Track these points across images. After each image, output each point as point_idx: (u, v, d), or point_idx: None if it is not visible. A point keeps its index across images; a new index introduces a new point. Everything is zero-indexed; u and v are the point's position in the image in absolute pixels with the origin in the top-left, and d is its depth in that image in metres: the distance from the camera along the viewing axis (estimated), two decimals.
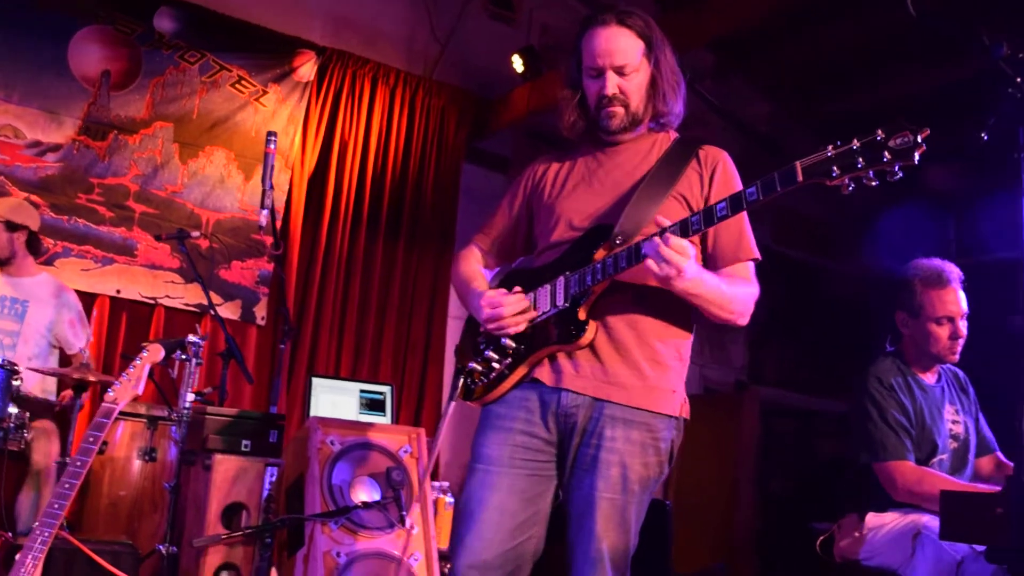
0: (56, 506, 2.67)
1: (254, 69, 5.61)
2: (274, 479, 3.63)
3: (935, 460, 3.13)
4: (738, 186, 2.34)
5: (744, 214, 2.24)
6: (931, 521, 2.90)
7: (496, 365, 2.33)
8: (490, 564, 2.23)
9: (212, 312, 4.43)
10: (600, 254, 2.23)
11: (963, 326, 3.19)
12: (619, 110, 2.34)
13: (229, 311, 5.36)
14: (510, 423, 2.30)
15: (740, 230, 2.33)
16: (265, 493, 3.57)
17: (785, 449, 7.76)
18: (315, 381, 4.56)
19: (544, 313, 2.28)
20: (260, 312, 5.52)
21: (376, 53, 6.09)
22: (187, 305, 5.27)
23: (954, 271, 3.22)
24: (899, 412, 3.11)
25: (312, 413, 4.38)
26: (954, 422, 3.26)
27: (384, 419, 4.54)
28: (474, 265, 2.57)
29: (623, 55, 2.32)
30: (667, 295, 2.18)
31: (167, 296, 5.22)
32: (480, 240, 2.61)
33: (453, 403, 2.35)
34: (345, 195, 5.86)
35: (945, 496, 2.54)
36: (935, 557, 2.81)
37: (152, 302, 5.18)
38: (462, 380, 2.38)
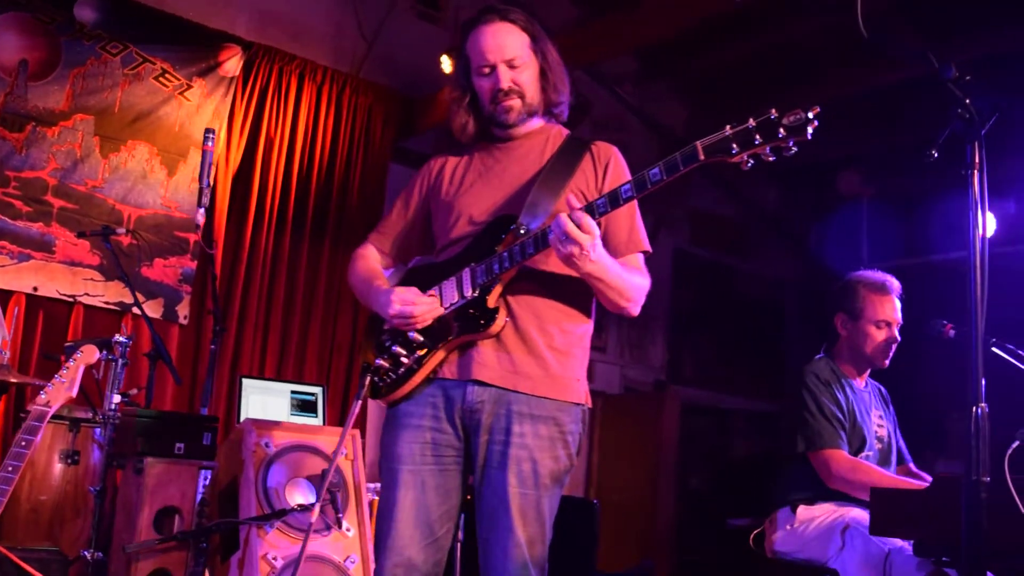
0: None
1: (178, 62, 5.48)
2: (208, 482, 3.57)
3: (863, 455, 3.30)
4: (625, 178, 2.39)
5: (636, 207, 2.37)
6: (860, 515, 3.04)
7: (404, 360, 2.35)
8: (414, 561, 2.28)
9: (138, 310, 4.32)
10: (506, 244, 2.27)
11: (897, 334, 3.41)
12: (516, 103, 2.40)
13: (151, 309, 5.22)
14: (418, 420, 2.34)
15: (632, 222, 2.43)
16: (199, 497, 3.51)
17: (703, 447, 7.95)
18: (245, 382, 4.49)
19: (452, 304, 2.32)
20: (183, 311, 5.41)
21: (303, 49, 6.01)
22: (107, 303, 5.13)
23: (895, 284, 3.47)
24: (834, 405, 3.29)
25: (243, 415, 4.31)
26: (879, 425, 3.45)
27: (316, 420, 4.51)
28: (373, 263, 2.60)
29: (512, 48, 2.38)
30: (570, 283, 2.29)
31: (87, 294, 5.07)
32: (376, 240, 2.64)
33: (359, 402, 2.36)
34: (270, 193, 5.77)
35: (875, 493, 2.67)
36: (864, 550, 2.94)
37: (71, 300, 5.02)
38: (368, 378, 2.39)
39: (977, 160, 1.96)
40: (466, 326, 2.29)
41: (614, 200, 2.15)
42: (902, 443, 3.61)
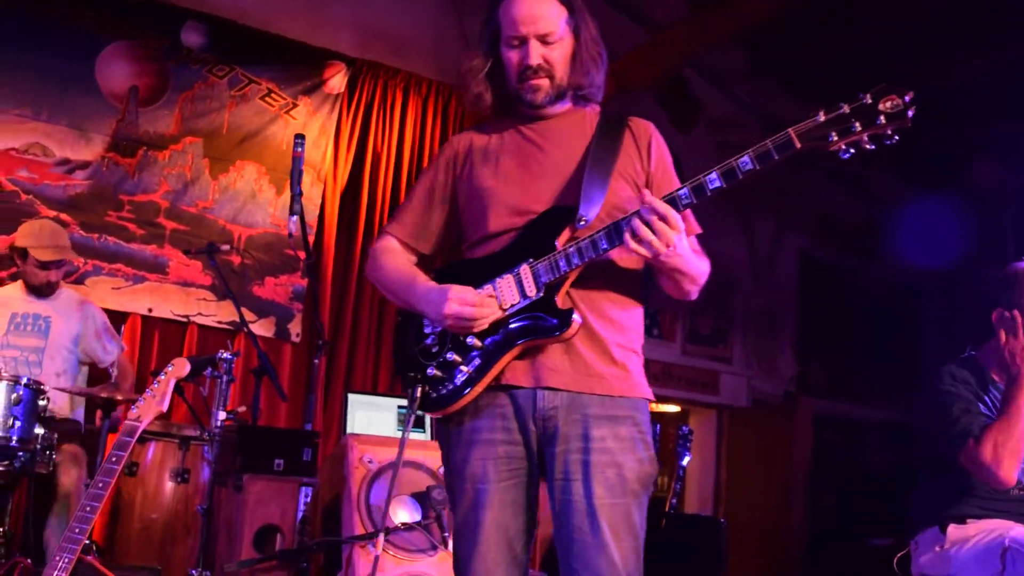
0: (77, 531, 2.53)
1: (283, 82, 5.51)
2: (309, 499, 3.48)
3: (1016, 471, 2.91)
4: (670, 160, 2.25)
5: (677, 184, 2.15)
6: (1020, 533, 2.68)
7: (463, 368, 2.10)
8: None
9: (245, 329, 4.31)
10: (564, 238, 2.06)
11: None
12: (544, 82, 2.17)
13: (263, 328, 5.24)
14: (489, 435, 2.10)
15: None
16: (300, 514, 3.43)
17: (836, 461, 7.53)
18: (351, 397, 4.42)
19: (514, 306, 2.07)
20: (295, 329, 5.40)
21: (406, 63, 5.98)
22: (220, 323, 5.16)
23: None
24: (975, 398, 2.90)
25: (348, 430, 4.23)
26: None
27: (424, 436, 4.39)
28: (403, 258, 2.33)
29: (547, 22, 2.15)
30: (623, 274, 2.10)
31: (200, 314, 5.12)
32: (396, 230, 2.35)
33: (412, 416, 2.12)
34: (379, 208, 5.74)
35: None
36: None
37: (185, 320, 5.08)
38: (419, 389, 2.13)
39: None
40: (534, 330, 2.07)
41: (699, 191, 1.95)
42: None
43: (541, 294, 2.06)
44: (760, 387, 7.52)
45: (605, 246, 2.00)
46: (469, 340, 2.09)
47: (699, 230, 2.21)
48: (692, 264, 2.07)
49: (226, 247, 4.44)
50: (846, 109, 1.84)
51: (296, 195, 3.33)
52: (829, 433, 7.49)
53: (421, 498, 3.62)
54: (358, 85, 5.75)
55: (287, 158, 5.43)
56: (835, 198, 7.81)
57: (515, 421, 2.10)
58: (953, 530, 2.90)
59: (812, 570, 6.58)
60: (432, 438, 4.43)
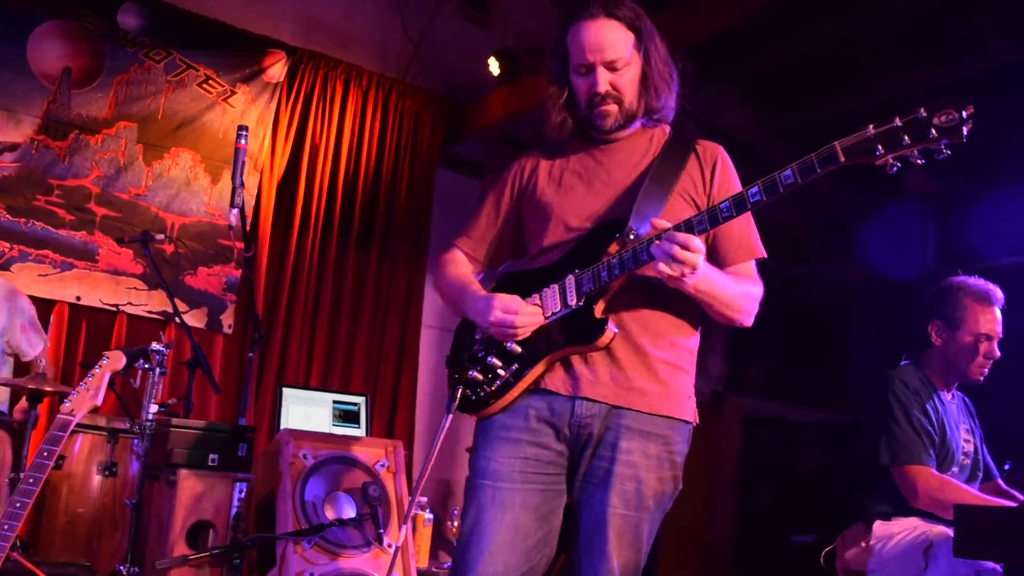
0: (6, 527, 2.46)
1: (222, 69, 5.41)
2: (243, 495, 3.43)
3: (949, 472, 3.03)
4: (736, 180, 2.27)
5: (748, 213, 2.13)
6: (945, 532, 2.79)
7: (501, 372, 2.15)
8: None
9: (177, 320, 4.22)
10: (613, 251, 2.08)
11: (997, 350, 3.13)
12: (613, 108, 2.21)
13: (194, 319, 5.15)
14: (518, 434, 2.13)
15: (745, 226, 2.24)
16: (234, 510, 3.38)
17: (768, 460, 7.67)
18: (285, 391, 4.37)
19: (555, 314, 2.12)
20: (227, 320, 5.32)
21: (348, 54, 5.91)
22: (151, 312, 5.05)
23: (999, 294, 3.20)
24: (923, 417, 3.03)
25: (283, 425, 4.18)
26: (966, 440, 3.19)
27: (359, 431, 4.36)
28: (464, 268, 2.40)
29: (614, 49, 2.18)
30: (678, 292, 2.07)
31: (130, 303, 5.00)
32: (463, 243, 2.43)
33: (449, 416, 2.16)
34: (316, 200, 5.67)
35: (960, 510, 2.43)
36: (949, 572, 2.69)
37: (114, 309, 4.96)
38: (460, 391, 2.18)
39: None
40: (571, 338, 2.10)
41: (740, 205, 1.96)
42: (989, 459, 3.32)
43: (581, 303, 2.09)
44: None
45: (644, 257, 2.01)
46: (509, 346, 2.14)
47: (760, 254, 2.25)
48: (720, 288, 2.09)
49: (160, 236, 4.34)
50: (898, 123, 1.80)
51: (237, 187, 3.27)
52: (759, 432, 7.62)
53: (356, 494, 3.60)
54: (298, 75, 5.67)
55: (224, 146, 5.35)
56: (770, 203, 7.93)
57: (549, 426, 2.13)
58: (879, 526, 3.01)
59: (742, 569, 6.70)
60: (367, 434, 4.42)
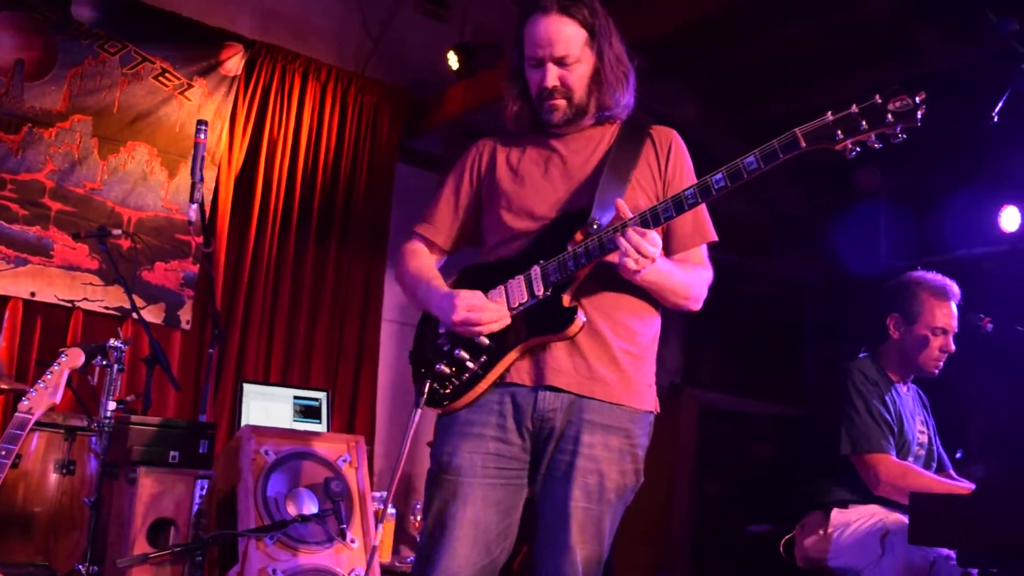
0: None
1: (179, 61, 5.35)
2: (204, 492, 3.42)
3: (906, 461, 3.11)
4: (690, 164, 2.32)
5: None
6: (901, 520, 2.86)
7: (470, 365, 2.17)
8: None
9: (135, 315, 4.18)
10: (576, 240, 2.11)
11: (952, 344, 3.21)
12: (561, 103, 2.23)
13: (152, 314, 5.09)
14: (481, 429, 2.15)
15: (700, 211, 2.27)
16: (195, 508, 3.36)
17: (720, 451, 7.77)
18: (246, 387, 4.35)
19: (522, 304, 2.14)
20: (185, 316, 5.27)
21: (306, 48, 5.88)
22: (107, 308, 4.99)
23: (956, 289, 3.27)
24: (882, 406, 3.09)
25: (244, 421, 4.17)
26: (921, 431, 3.27)
27: (320, 427, 4.36)
28: (427, 260, 2.41)
29: (563, 45, 2.20)
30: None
31: (86, 299, 4.93)
32: (423, 229, 2.44)
33: (418, 411, 2.17)
34: (274, 194, 5.63)
35: (915, 498, 2.50)
36: (905, 559, 2.77)
37: (69, 305, 4.89)
38: (428, 385, 2.19)
39: None
40: (540, 327, 2.12)
41: (705, 191, 2.01)
42: (941, 449, 3.42)
43: (548, 293, 2.12)
44: None
45: (611, 246, 2.04)
46: (478, 338, 2.15)
47: (712, 237, 2.30)
48: (668, 275, 2.14)
49: (117, 231, 4.30)
50: (855, 109, 1.89)
51: (197, 183, 3.25)
52: (715, 424, 7.72)
53: (318, 490, 3.60)
54: (256, 68, 5.62)
55: (181, 140, 5.29)
56: (726, 198, 8.02)
57: (512, 420, 2.15)
58: (836, 514, 3.09)
59: (699, 559, 6.79)
60: (328, 430, 4.41)
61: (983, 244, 6.30)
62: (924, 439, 3.27)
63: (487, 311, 2.12)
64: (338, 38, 6.09)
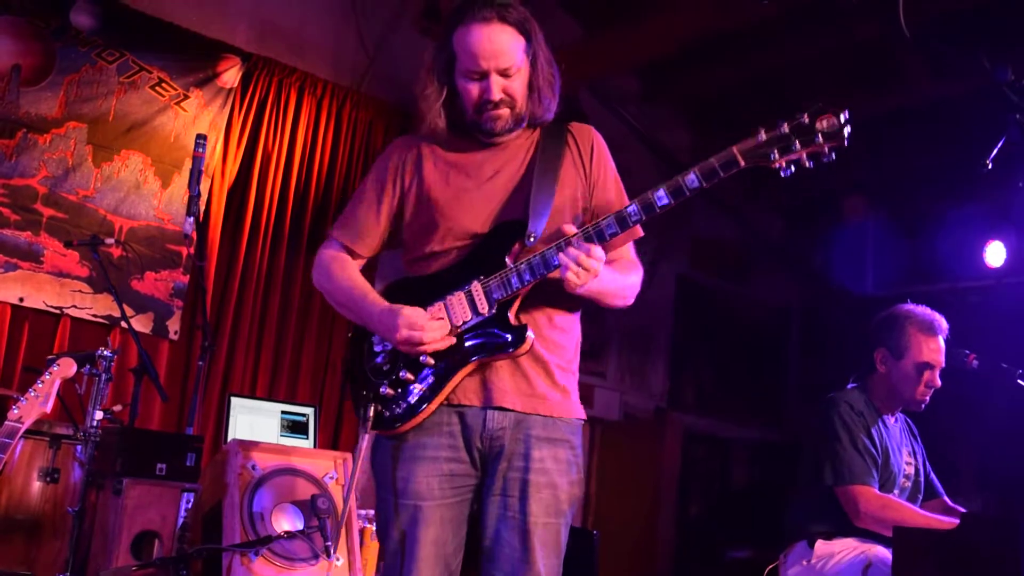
0: None
1: (175, 72, 5.36)
2: (190, 506, 3.41)
3: (891, 495, 3.13)
4: (612, 163, 2.34)
5: (624, 195, 2.29)
6: (884, 553, 2.88)
7: (416, 387, 2.13)
8: None
9: (125, 324, 4.17)
10: (514, 254, 2.12)
11: (939, 380, 3.23)
12: (504, 112, 2.21)
13: (140, 324, 5.08)
14: (435, 452, 2.14)
15: (623, 202, 2.29)
16: (180, 521, 3.35)
17: (703, 475, 7.79)
18: (233, 401, 4.34)
19: (466, 323, 2.12)
20: (173, 326, 5.26)
21: (303, 62, 5.90)
22: (95, 316, 4.98)
23: (944, 324, 3.29)
24: (867, 439, 3.12)
25: (230, 435, 4.16)
26: (908, 463, 3.29)
27: (307, 443, 4.35)
28: (354, 271, 2.34)
29: (507, 56, 2.16)
30: (564, 296, 2.14)
31: (74, 306, 4.92)
32: (344, 237, 2.37)
33: (366, 436, 2.14)
34: (266, 208, 5.64)
35: (898, 532, 2.52)
36: None
37: (58, 312, 4.87)
38: (372, 408, 2.14)
39: None
40: (488, 347, 2.10)
41: (648, 208, 2.04)
42: (933, 476, 3.43)
43: (493, 311, 2.11)
44: (632, 402, 7.71)
45: (556, 263, 2.05)
46: (423, 358, 2.12)
47: (641, 234, 2.27)
48: (610, 284, 2.17)
49: (110, 240, 4.30)
50: (785, 128, 1.93)
51: (194, 196, 3.26)
52: (698, 448, 7.74)
53: (304, 506, 3.59)
54: (252, 81, 5.63)
55: (175, 150, 5.30)
56: (711, 224, 8.08)
57: (461, 439, 2.14)
58: (820, 545, 3.10)
59: None
60: (315, 446, 4.41)
61: (970, 274, 6.36)
62: (911, 470, 3.30)
63: (431, 330, 2.08)
64: (335, 54, 6.11)
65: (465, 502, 2.17)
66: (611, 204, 2.25)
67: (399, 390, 2.15)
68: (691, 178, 1.98)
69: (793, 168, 1.95)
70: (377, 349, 2.22)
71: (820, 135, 1.90)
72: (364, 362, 2.23)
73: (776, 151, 1.94)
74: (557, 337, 2.22)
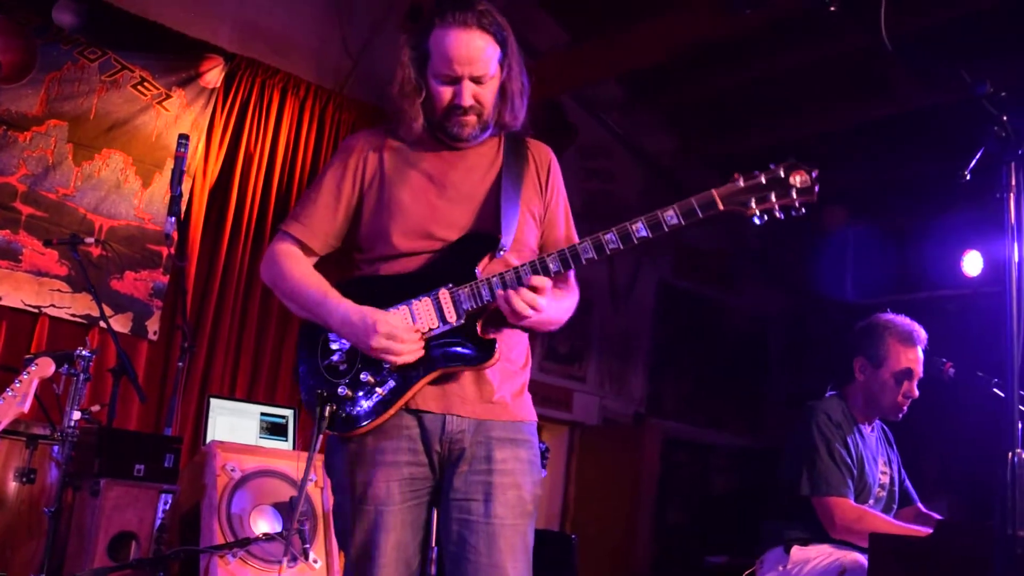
0: None
1: (158, 71, 5.34)
2: (168, 507, 3.39)
3: (865, 505, 3.15)
4: (563, 187, 2.37)
5: (570, 217, 2.36)
6: (859, 559, 2.90)
7: (377, 390, 2.10)
8: None
9: (104, 324, 4.15)
10: (483, 265, 2.12)
11: (916, 390, 3.25)
12: (472, 119, 2.19)
13: (119, 324, 5.05)
14: (394, 456, 2.11)
15: (571, 229, 2.35)
16: (158, 522, 3.33)
17: (682, 481, 7.82)
18: (213, 402, 4.32)
19: (433, 331, 2.10)
20: (152, 326, 5.23)
21: (287, 64, 5.88)
22: (74, 316, 4.94)
23: (923, 334, 3.30)
24: (844, 449, 3.14)
25: (209, 436, 4.13)
26: (883, 472, 3.31)
27: (286, 445, 4.33)
28: (309, 267, 2.28)
29: (483, 64, 2.14)
30: None
31: (53, 305, 4.89)
32: (298, 232, 2.27)
33: (321, 436, 2.09)
34: (248, 208, 5.62)
35: (874, 539, 2.54)
36: None
37: (36, 311, 4.84)
38: (329, 408, 2.09)
39: (1014, 182, 1.85)
40: (455, 357, 2.09)
41: (626, 239, 2.06)
42: (908, 484, 3.46)
43: (462, 321, 2.09)
44: (611, 407, 7.73)
45: (528, 285, 2.07)
46: (386, 365, 2.09)
47: (583, 261, 2.21)
48: (553, 316, 2.21)
49: (90, 240, 4.28)
50: (762, 179, 2.02)
51: (176, 197, 3.25)
52: (677, 454, 7.77)
53: (283, 508, 3.58)
54: (235, 81, 5.62)
55: (156, 150, 5.28)
56: (694, 231, 8.12)
57: (421, 443, 2.12)
58: (796, 551, 3.12)
59: None
60: (294, 448, 4.39)
61: (949, 283, 6.42)
62: (885, 480, 3.32)
63: (407, 341, 2.06)
64: (318, 55, 6.10)
65: (423, 504, 2.16)
66: (558, 224, 2.31)
67: (358, 392, 2.11)
68: (670, 215, 2.03)
69: (766, 217, 2.03)
70: (333, 347, 2.16)
71: (795, 190, 2.00)
72: (318, 360, 2.17)
73: (754, 200, 2.02)
74: (514, 339, 2.23)
